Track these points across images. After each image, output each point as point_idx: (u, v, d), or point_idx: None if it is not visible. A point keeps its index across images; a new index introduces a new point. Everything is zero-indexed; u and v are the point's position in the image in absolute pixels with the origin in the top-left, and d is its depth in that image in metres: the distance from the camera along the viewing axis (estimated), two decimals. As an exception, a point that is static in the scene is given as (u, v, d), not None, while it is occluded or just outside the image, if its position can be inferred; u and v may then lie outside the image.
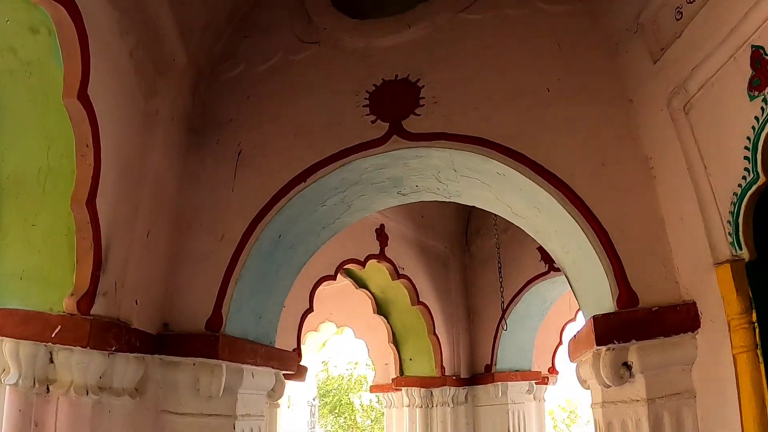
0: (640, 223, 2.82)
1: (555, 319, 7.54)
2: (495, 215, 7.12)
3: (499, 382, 6.62)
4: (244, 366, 3.18)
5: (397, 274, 6.36)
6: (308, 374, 5.07)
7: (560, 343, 7.70)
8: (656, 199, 2.85)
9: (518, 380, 6.75)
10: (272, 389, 3.58)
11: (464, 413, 6.71)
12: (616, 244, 2.77)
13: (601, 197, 2.89)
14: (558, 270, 6.32)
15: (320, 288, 6.04)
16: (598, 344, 2.52)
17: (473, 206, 8.08)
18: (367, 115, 3.33)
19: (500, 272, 5.34)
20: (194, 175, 3.47)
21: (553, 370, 7.66)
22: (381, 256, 6.23)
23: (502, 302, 5.28)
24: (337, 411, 21.27)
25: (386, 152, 3.21)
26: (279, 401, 4.36)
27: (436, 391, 6.43)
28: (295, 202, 3.28)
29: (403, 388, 6.58)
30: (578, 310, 7.69)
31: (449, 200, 3.84)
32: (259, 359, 3.34)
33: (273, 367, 3.52)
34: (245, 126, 3.53)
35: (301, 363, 4.77)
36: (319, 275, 5.44)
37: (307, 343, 8.47)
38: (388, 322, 6.77)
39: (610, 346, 2.53)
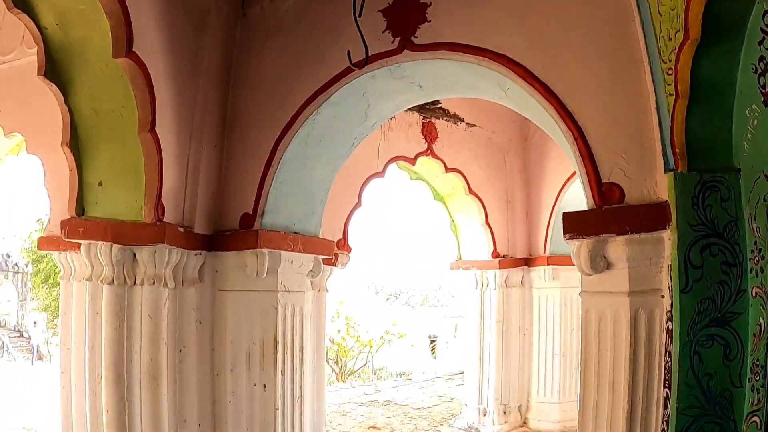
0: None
1: (353, 166, 4.58)
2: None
3: (265, 249, 3.43)
4: None
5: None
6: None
7: (359, 204, 4.79)
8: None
9: (298, 250, 3.66)
10: None
11: (195, 301, 3.37)
12: None
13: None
14: (422, 48, 3.28)
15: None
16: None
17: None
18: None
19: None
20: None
21: (344, 244, 4.71)
22: None
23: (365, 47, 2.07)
24: (51, 281, 18.55)
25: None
26: None
27: (143, 253, 2.93)
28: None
29: (82, 242, 2.91)
30: (389, 162, 4.89)
31: None
32: None
33: None
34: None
35: None
36: None
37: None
38: (67, 101, 2.89)
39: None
